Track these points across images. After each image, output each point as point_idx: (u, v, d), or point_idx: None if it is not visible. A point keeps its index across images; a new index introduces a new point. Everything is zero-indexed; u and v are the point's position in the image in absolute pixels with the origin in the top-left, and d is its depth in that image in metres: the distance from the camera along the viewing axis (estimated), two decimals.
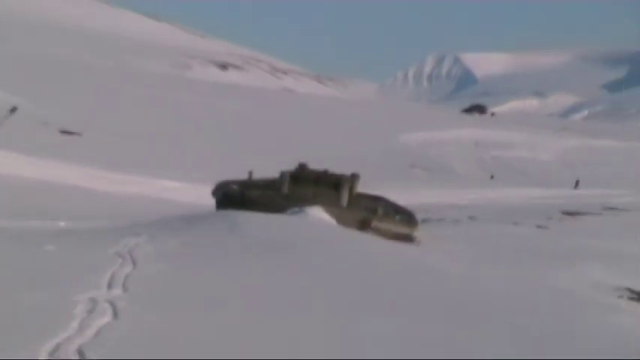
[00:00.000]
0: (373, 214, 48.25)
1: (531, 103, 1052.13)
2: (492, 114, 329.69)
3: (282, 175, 50.17)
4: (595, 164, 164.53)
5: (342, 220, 45.36)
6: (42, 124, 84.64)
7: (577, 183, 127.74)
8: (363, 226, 46.03)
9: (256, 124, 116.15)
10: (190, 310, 23.73)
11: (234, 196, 49.71)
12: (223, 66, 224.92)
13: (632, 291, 43.85)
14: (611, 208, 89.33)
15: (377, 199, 50.35)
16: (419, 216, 52.52)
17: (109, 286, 25.30)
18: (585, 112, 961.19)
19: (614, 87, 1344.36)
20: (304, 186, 49.15)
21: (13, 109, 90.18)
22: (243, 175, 53.32)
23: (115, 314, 21.47)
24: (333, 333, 23.50)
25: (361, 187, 51.81)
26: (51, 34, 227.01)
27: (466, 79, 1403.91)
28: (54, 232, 42.61)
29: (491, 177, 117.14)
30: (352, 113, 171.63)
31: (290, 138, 72.93)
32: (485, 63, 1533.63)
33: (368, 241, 41.98)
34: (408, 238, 47.32)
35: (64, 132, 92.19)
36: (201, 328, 21.70)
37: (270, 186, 50.37)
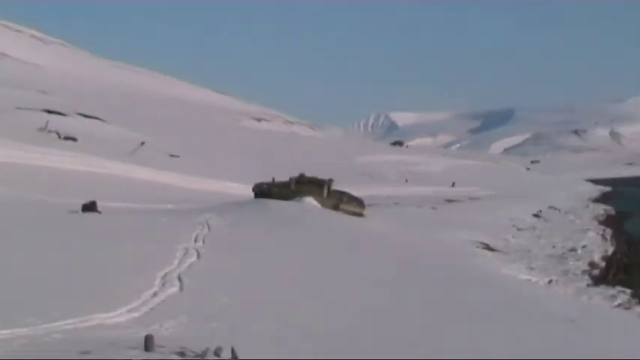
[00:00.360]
0: (341, 201, 52.80)
1: (428, 140, 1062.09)
2: (407, 146, 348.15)
3: (290, 179, 54.28)
4: (463, 174, 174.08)
5: (324, 205, 51.20)
6: (157, 151, 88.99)
7: (453, 184, 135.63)
8: (335, 208, 51.71)
9: (277, 152, 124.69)
10: (240, 252, 32.51)
11: (264, 191, 54.44)
12: (258, 119, 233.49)
13: (483, 243, 52.51)
14: (472, 198, 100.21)
15: (342, 193, 54.41)
16: (366, 202, 56.16)
17: (195, 240, 33.10)
18: (458, 145, 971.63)
19: (474, 131, 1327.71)
20: (302, 185, 53.20)
21: (142, 143, 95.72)
22: (268, 179, 57.79)
23: (198, 256, 29.14)
24: (318, 262, 33.41)
25: (335, 186, 54.50)
26: (159, 102, 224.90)
27: (393, 127, 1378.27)
28: (165, 210, 49.52)
29: (406, 181, 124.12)
30: (330, 146, 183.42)
31: (295, 159, 76.29)
32: (403, 118, 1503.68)
33: (338, 216, 49.62)
34: (360, 215, 52.74)
35: (172, 155, 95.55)
36: (246, 262, 29.61)
37: (284, 185, 54.11)
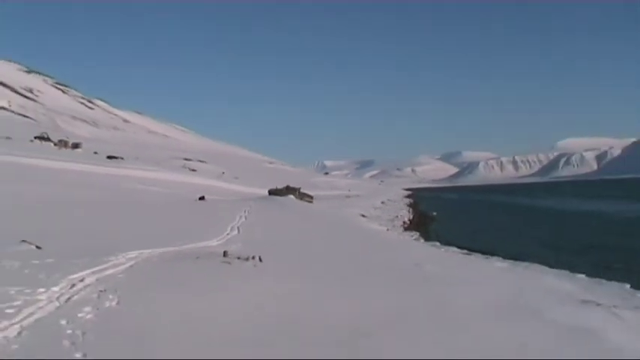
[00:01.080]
0: (303, 196, 50.13)
1: (339, 172, 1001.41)
2: (329, 174, 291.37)
3: (284, 188, 51.10)
4: (353, 186, 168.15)
5: (296, 198, 48.31)
6: (229, 176, 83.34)
7: (349, 190, 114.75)
8: (301, 199, 48.85)
9: (278, 176, 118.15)
10: (264, 217, 30.24)
11: (273, 192, 50.04)
12: (270, 163, 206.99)
13: (361, 214, 48.89)
14: (357, 196, 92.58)
15: (304, 193, 51.48)
16: (314, 197, 53.09)
17: (244, 212, 30.50)
18: (350, 175, 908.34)
19: (358, 169, 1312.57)
20: (288, 190, 50.09)
21: (223, 172, 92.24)
22: (274, 187, 52.89)
23: (246, 218, 27.14)
24: (295, 220, 33.05)
25: (301, 191, 50.88)
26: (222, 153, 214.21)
27: (325, 166, 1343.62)
28: (232, 200, 45.49)
29: (349, 190, 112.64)
30: (299, 174, 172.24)
31: (285, 180, 73.16)
32: (328, 162, 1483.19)
33: (302, 203, 46.43)
34: (311, 202, 49.88)
35: (235, 177, 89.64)
36: (267, 221, 27.48)
37: (280, 190, 50.26)
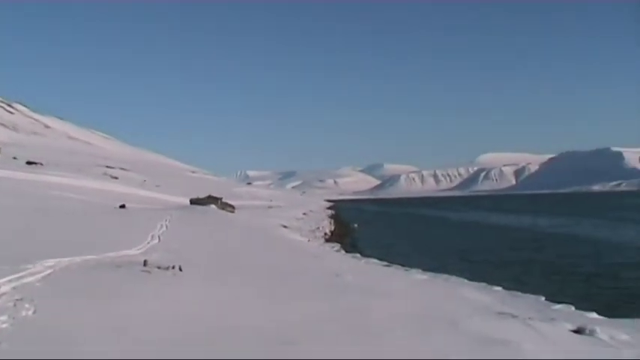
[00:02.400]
0: (225, 206, 49.89)
1: (261, 182, 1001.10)
2: (252, 184, 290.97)
3: (206, 197, 51.06)
4: (275, 197, 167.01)
5: (218, 207, 48.21)
6: (151, 184, 79.33)
7: (271, 200, 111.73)
8: (223, 209, 48.40)
9: (200, 186, 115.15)
10: (185, 227, 30.69)
11: (194, 201, 49.70)
12: (193, 172, 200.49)
13: (282, 225, 47.88)
14: (278, 207, 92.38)
15: (226, 203, 50.67)
16: (236, 207, 52.22)
17: (165, 221, 29.78)
18: (272, 185, 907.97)
19: (280, 179, 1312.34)
20: (210, 199, 50.20)
21: (145, 180, 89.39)
22: (196, 196, 52.44)
23: (167, 228, 26.73)
24: (216, 229, 33.40)
25: (223, 200, 52.64)
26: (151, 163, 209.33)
27: (247, 176, 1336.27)
28: (153, 209, 44.97)
29: (271, 201, 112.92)
30: (222, 183, 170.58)
31: (207, 189, 72.18)
32: (251, 173, 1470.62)
33: (224, 213, 46.25)
34: (232, 212, 49.24)
35: (157, 185, 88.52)
36: (187, 230, 27.62)
37: (202, 199, 49.87)
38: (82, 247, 16.43)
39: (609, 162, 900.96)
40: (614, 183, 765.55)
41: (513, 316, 12.29)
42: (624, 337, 12.09)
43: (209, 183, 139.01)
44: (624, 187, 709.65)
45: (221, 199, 53.09)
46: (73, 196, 46.20)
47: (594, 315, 15.75)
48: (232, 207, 52.76)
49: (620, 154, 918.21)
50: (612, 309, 17.85)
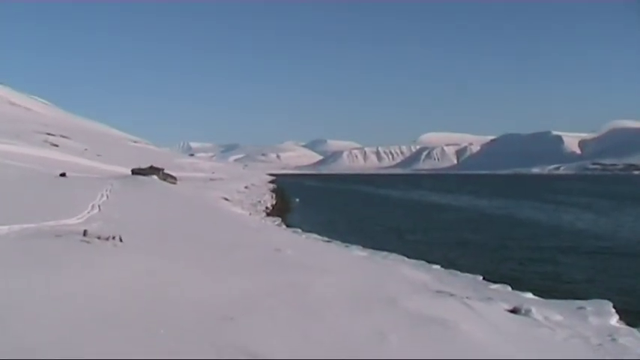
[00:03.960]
0: (167, 177, 48.89)
1: (204, 154, 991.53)
2: (194, 155, 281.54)
3: (148, 168, 49.65)
4: (217, 169, 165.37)
5: (160, 178, 47.49)
6: (91, 153, 77.13)
7: (213, 172, 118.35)
8: (164, 180, 47.84)
9: (142, 156, 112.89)
10: (126, 196, 30.32)
11: (136, 171, 48.36)
12: (135, 142, 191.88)
13: (223, 197, 48.43)
14: (221, 179, 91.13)
15: (167, 174, 49.82)
16: (177, 178, 50.57)
17: (106, 190, 29.44)
18: (215, 157, 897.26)
19: (223, 152, 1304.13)
20: (151, 170, 48.84)
21: (86, 149, 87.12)
22: (138, 166, 50.56)
23: (107, 197, 26.39)
24: (157, 200, 32.97)
25: (165, 171, 53.29)
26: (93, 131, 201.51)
27: (190, 148, 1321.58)
28: (94, 178, 44.41)
29: (213, 173, 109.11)
30: (160, 154, 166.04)
31: (149, 160, 70.91)
32: (194, 144, 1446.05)
33: (165, 183, 45.74)
34: (174, 183, 48.39)
35: (98, 155, 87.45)
36: (128, 200, 27.42)
37: (144, 170, 48.58)
38: (21, 215, 16.04)
39: (549, 145, 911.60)
40: (553, 166, 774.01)
41: (451, 295, 12.44)
42: (558, 317, 12.56)
43: (151, 153, 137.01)
44: (562, 170, 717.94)
45: (163, 170, 52.34)
46: (11, 163, 45.04)
47: (529, 295, 16.16)
48: (174, 178, 52.11)
49: (559, 138, 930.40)
50: (547, 290, 18.26)
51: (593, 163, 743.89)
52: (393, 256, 22.38)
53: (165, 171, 52.80)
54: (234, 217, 32.46)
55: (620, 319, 13.86)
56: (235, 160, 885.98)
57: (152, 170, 51.11)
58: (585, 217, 49.81)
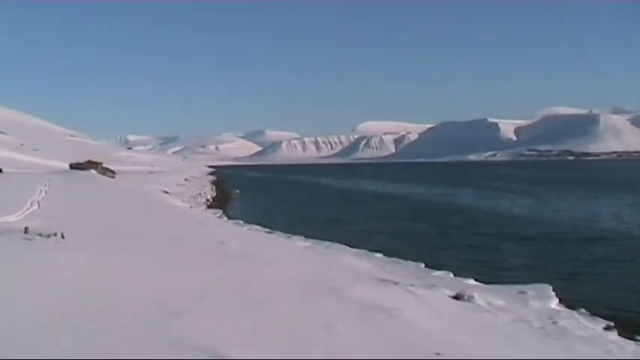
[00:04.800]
0: (107, 171, 49.32)
1: (142, 147, 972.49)
2: (132, 148, 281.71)
3: (86, 162, 49.46)
4: (156, 162, 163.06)
5: (98, 173, 46.95)
6: (28, 148, 75.55)
7: (152, 166, 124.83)
8: (103, 174, 47.59)
9: (79, 150, 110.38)
10: (66, 192, 30.10)
11: (74, 166, 48.32)
12: (72, 135, 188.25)
13: (163, 190, 48.14)
14: (159, 172, 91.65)
15: (106, 168, 49.53)
16: (116, 172, 51.19)
17: (45, 186, 29.10)
18: (153, 150, 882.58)
19: (161, 144, 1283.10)
20: (90, 164, 48.64)
21: (22, 144, 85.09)
22: (75, 161, 49.21)
23: (46, 193, 26.40)
24: (95, 194, 32.41)
25: (104, 165, 52.06)
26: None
27: (127, 141, 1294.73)
28: (31, 173, 44.14)
29: (152, 166, 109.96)
30: (98, 148, 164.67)
31: (87, 154, 69.29)
32: (131, 137, 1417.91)
33: (104, 178, 45.70)
34: (113, 177, 48.76)
35: (35, 149, 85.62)
36: (68, 196, 28.43)
37: (82, 165, 47.89)
38: None
39: (485, 133, 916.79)
40: (490, 153, 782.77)
41: (395, 283, 12.52)
42: (500, 302, 12.96)
43: (89, 147, 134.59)
44: (499, 157, 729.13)
45: (101, 164, 52.12)
46: None
47: (472, 281, 16.50)
48: (113, 172, 51.69)
49: (495, 125, 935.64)
50: (488, 276, 18.58)
51: (529, 150, 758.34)
52: (336, 245, 22.51)
53: (104, 165, 52.38)
54: (175, 211, 32.00)
55: (560, 302, 14.27)
56: (174, 153, 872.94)
57: (90, 164, 50.67)
58: (523, 204, 50.32)
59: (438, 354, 6.88)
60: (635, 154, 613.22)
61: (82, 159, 53.67)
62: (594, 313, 13.70)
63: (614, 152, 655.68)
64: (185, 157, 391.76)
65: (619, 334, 11.88)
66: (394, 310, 9.12)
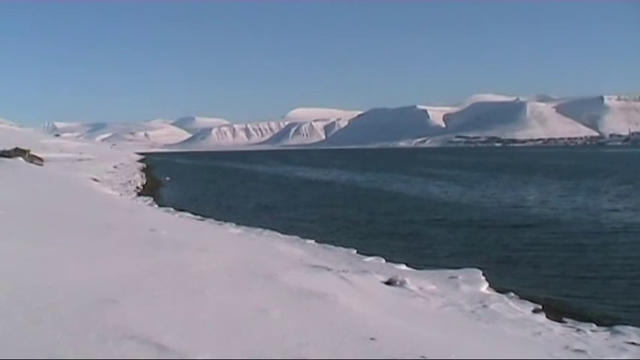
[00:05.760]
0: (34, 158, 48.63)
1: (69, 134, 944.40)
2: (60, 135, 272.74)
3: (13, 149, 48.32)
4: (85, 149, 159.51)
5: (25, 160, 46.38)
6: None
7: (81, 153, 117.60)
8: (32, 161, 47.24)
9: (8, 138, 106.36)
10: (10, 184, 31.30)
11: (0, 154, 46.21)
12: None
13: (93, 178, 47.02)
14: (89, 159, 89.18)
15: (35, 156, 49.93)
16: (44, 159, 50.96)
17: None
18: (82, 137, 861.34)
19: (89, 131, 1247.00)
20: (17, 152, 47.75)
21: None
22: (1, 148, 48.31)
23: None
24: (25, 182, 31.72)
25: (31, 152, 52.04)
26: None
27: (55, 128, 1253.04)
28: None
29: (60, 151, 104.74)
30: (24, 135, 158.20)
31: (11, 142, 67.78)
32: (59, 124, 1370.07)
33: (31, 165, 45.40)
34: (41, 165, 47.94)
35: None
36: (17, 190, 28.67)
37: (9, 152, 47.67)
38: None
39: (415, 119, 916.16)
40: (419, 139, 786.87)
41: (328, 269, 12.57)
42: (431, 287, 13.27)
43: (15, 134, 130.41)
44: (428, 143, 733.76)
45: (29, 151, 51.32)
46: None
47: (403, 267, 16.59)
48: (41, 160, 50.84)
49: (425, 112, 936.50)
50: (419, 261, 18.68)
51: (458, 136, 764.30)
52: (267, 232, 22.52)
53: (32, 152, 51.40)
54: (105, 198, 31.37)
55: (490, 286, 14.59)
56: (103, 140, 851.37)
57: (17, 152, 49.98)
58: (452, 190, 50.47)
59: (372, 339, 6.95)
60: (560, 141, 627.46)
61: (9, 146, 52.00)
62: (523, 296, 13.95)
63: (540, 139, 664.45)
64: (114, 145, 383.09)
65: (547, 317, 12.20)
66: (328, 295, 9.17)
